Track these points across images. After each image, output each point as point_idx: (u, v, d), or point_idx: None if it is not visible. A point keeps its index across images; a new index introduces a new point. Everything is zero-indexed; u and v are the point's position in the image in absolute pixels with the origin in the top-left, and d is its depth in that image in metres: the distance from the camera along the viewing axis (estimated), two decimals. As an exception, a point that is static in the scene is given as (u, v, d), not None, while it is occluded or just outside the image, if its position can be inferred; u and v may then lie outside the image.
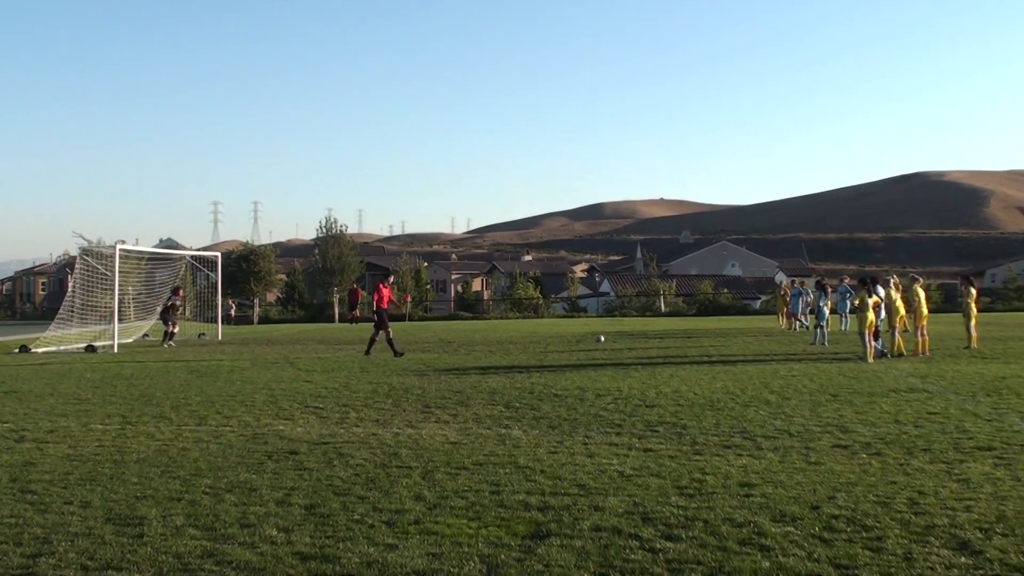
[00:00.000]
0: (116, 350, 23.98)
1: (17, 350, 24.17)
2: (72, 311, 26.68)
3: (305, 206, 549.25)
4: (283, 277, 69.51)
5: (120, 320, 25.95)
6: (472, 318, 49.28)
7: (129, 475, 7.71)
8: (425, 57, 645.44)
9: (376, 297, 20.63)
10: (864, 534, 5.66)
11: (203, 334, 31.94)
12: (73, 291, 27.08)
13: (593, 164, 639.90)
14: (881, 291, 18.56)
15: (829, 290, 24.71)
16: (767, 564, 5.12)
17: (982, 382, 13.37)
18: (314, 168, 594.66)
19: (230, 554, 5.44)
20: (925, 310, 18.80)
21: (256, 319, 50.13)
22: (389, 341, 20.17)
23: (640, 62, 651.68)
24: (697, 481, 7.15)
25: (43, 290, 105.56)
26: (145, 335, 30.13)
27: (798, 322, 28.31)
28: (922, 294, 19.13)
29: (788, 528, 5.81)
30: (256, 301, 57.25)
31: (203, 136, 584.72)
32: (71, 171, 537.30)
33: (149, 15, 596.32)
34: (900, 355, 17.89)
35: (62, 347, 25.33)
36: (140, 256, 30.64)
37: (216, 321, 32.81)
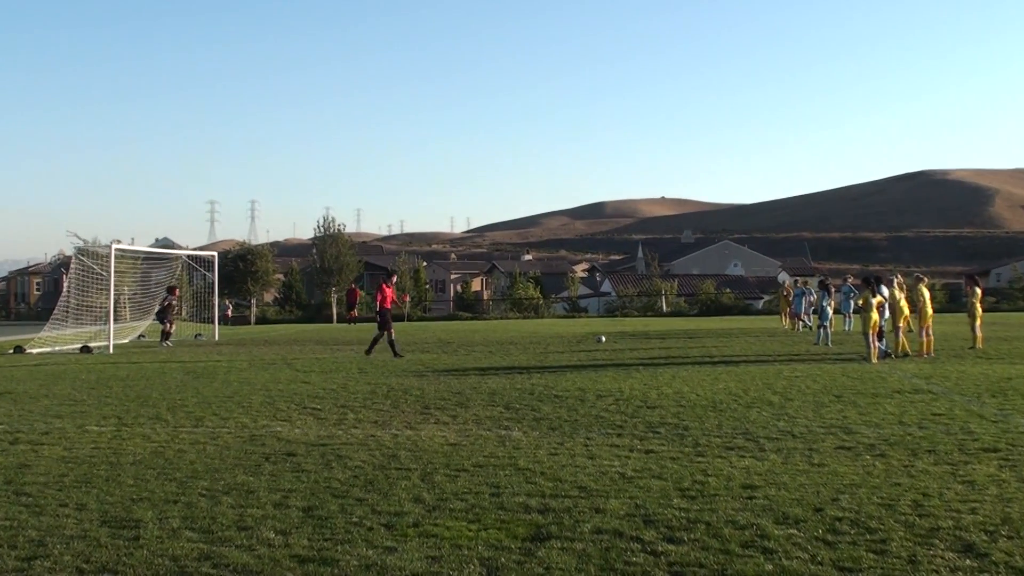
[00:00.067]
0: (112, 351, 23.90)
1: (12, 351, 24.10)
2: (67, 311, 26.60)
3: (303, 205, 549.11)
4: (280, 277, 69.39)
5: (116, 320, 25.84)
6: (471, 318, 49.23)
7: (125, 477, 7.67)
8: (424, 55, 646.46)
9: (379, 297, 20.57)
10: (868, 536, 5.64)
11: (200, 334, 31.86)
12: (68, 291, 27.04)
13: (594, 162, 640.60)
14: (885, 291, 18.51)
15: (832, 290, 24.68)
16: (770, 567, 5.10)
17: (987, 383, 13.33)
18: (312, 167, 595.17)
19: (227, 557, 5.42)
20: (930, 310, 18.73)
21: (253, 319, 50.07)
22: (390, 342, 20.12)
23: (642, 59, 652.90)
24: (699, 483, 7.12)
25: (38, 290, 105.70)
26: (141, 336, 30.05)
27: (801, 322, 28.25)
28: (927, 294, 19.06)
29: (791, 530, 5.78)
30: (253, 301, 57.16)
31: (200, 134, 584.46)
32: (66, 170, 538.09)
33: (144, 13, 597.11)
34: (904, 355, 17.84)
35: (57, 348, 25.24)
36: (136, 256, 30.60)
37: (213, 321, 32.70)
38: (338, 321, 45.78)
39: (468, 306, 59.08)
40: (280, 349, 24.16)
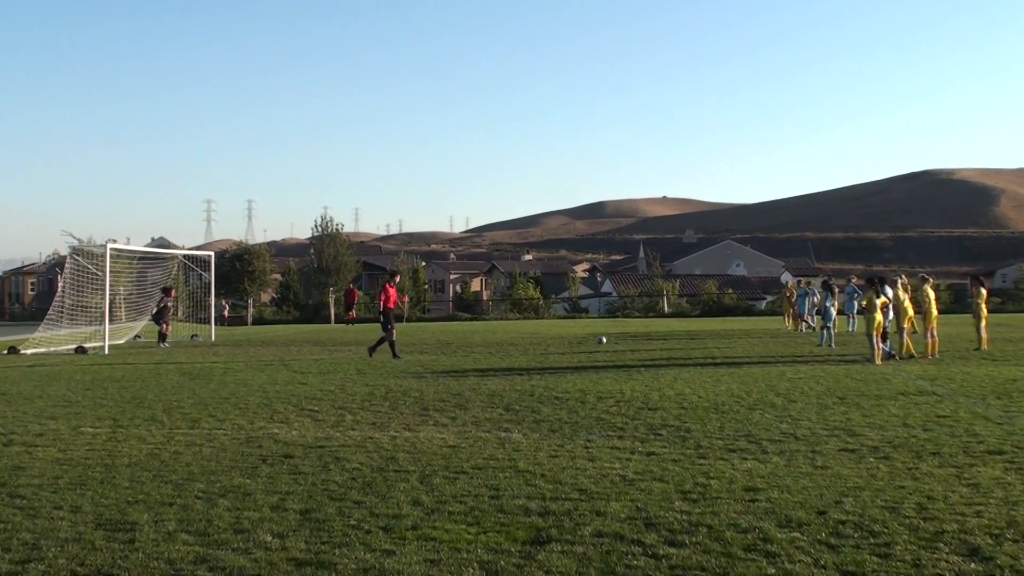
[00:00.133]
0: (107, 352, 23.87)
1: (6, 352, 24.07)
2: (62, 312, 26.55)
3: (300, 204, 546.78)
4: (278, 277, 69.29)
5: (111, 321, 25.82)
6: (471, 319, 49.20)
7: (120, 479, 7.64)
8: (423, 53, 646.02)
9: (383, 297, 20.54)
10: (872, 540, 5.61)
11: (196, 335, 31.84)
12: (63, 291, 26.95)
13: (595, 162, 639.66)
14: (889, 291, 18.44)
15: (836, 290, 24.59)
16: (773, 571, 5.08)
17: (992, 385, 13.29)
18: (309, 166, 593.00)
19: (223, 560, 5.39)
20: (935, 311, 18.67)
21: (250, 320, 49.96)
22: (391, 343, 20.07)
23: (643, 57, 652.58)
24: (701, 486, 7.09)
25: (32, 290, 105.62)
26: (137, 336, 30.03)
27: (804, 323, 28.16)
28: (932, 295, 18.99)
29: (794, 534, 5.75)
30: (250, 301, 56.95)
31: (196, 133, 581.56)
32: (61, 168, 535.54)
33: (140, 11, 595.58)
34: (909, 357, 17.79)
35: (52, 348, 25.22)
36: (132, 255, 30.54)
37: (209, 322, 32.63)
38: (336, 322, 45.67)
39: (467, 307, 59.02)
40: (277, 350, 24.13)
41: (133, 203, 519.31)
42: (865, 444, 8.68)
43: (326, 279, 58.14)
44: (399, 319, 39.50)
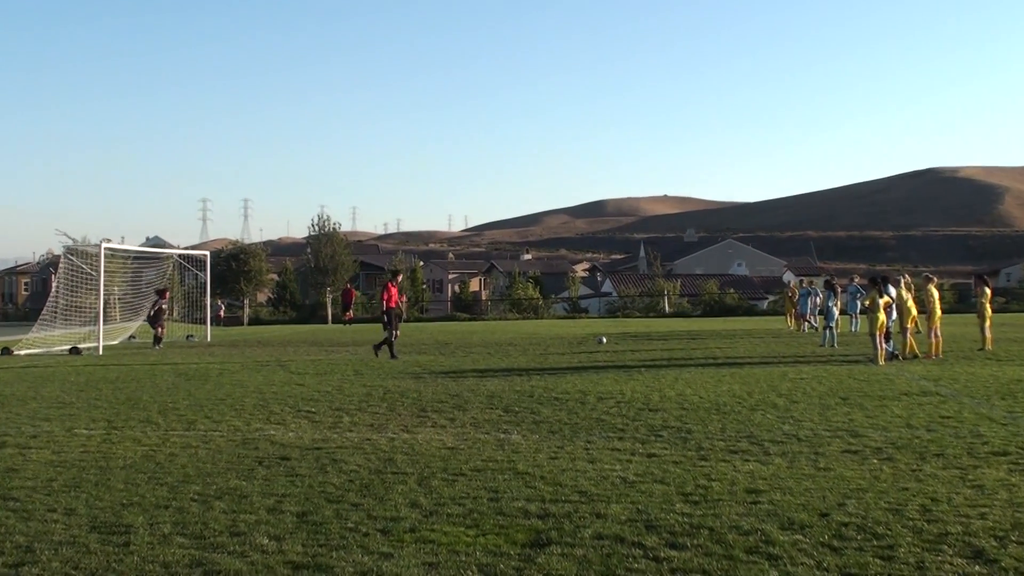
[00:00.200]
0: (101, 352, 23.86)
1: (-1, 352, 24.03)
2: (56, 312, 26.51)
3: (297, 203, 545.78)
4: (274, 277, 69.25)
5: (105, 321, 25.80)
6: (470, 319, 49.18)
7: (115, 482, 7.60)
8: (422, 51, 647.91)
9: (385, 296, 20.53)
10: (875, 542, 5.59)
11: (191, 336, 31.80)
12: (57, 291, 26.96)
13: (595, 160, 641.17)
14: (892, 291, 18.39)
15: (839, 290, 24.54)
16: (775, 573, 5.06)
17: (997, 385, 13.26)
18: (306, 164, 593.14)
19: (219, 563, 5.37)
20: (939, 311, 18.63)
21: (246, 320, 49.91)
22: (390, 343, 20.06)
23: (644, 56, 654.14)
24: (702, 487, 7.06)
25: (26, 290, 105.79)
26: (131, 337, 30.02)
27: (807, 323, 28.12)
28: (936, 294, 18.94)
29: (797, 536, 5.73)
30: (246, 301, 56.98)
31: (191, 131, 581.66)
32: (55, 167, 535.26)
33: (136, 9, 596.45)
34: (913, 357, 17.73)
35: (45, 349, 25.19)
36: (126, 255, 30.53)
37: (205, 322, 32.66)
38: (333, 322, 45.62)
39: (466, 306, 59.03)
40: (274, 350, 24.12)
41: (128, 202, 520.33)
42: (868, 445, 8.64)
43: (323, 279, 58.15)
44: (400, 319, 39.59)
